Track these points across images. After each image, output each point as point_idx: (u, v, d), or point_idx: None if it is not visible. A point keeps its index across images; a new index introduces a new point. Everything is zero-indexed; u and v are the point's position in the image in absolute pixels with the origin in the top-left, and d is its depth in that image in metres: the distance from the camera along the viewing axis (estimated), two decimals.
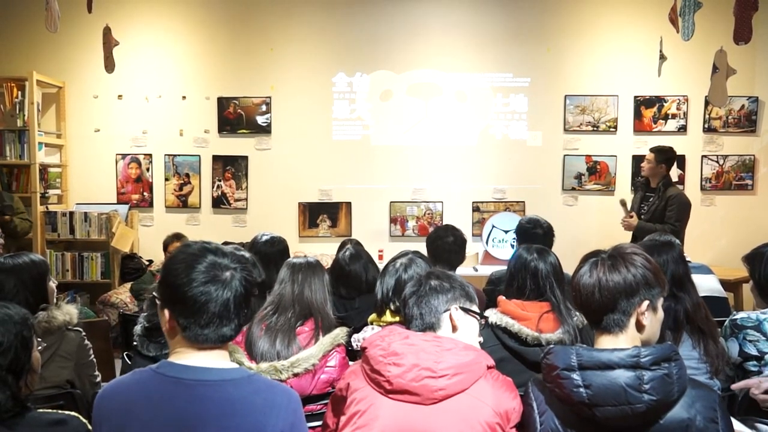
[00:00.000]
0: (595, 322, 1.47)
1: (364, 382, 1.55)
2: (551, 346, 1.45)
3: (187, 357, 1.32)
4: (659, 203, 4.39)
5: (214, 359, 1.33)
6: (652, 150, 4.52)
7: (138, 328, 2.34)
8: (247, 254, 2.60)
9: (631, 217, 4.46)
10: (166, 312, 1.33)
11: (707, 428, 1.36)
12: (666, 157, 4.46)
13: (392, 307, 2.27)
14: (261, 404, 1.30)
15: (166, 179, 5.62)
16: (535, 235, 3.23)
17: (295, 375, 2.01)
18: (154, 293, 1.39)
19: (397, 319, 2.27)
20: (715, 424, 1.37)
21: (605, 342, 1.45)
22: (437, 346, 1.51)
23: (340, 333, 2.14)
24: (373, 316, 2.49)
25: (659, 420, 1.34)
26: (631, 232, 4.56)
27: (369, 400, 1.51)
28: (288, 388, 1.40)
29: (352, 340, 2.45)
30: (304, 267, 2.26)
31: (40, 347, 1.64)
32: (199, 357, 1.32)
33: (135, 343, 2.34)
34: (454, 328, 1.64)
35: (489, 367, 1.55)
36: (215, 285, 1.30)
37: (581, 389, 1.34)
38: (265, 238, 3.12)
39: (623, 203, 4.53)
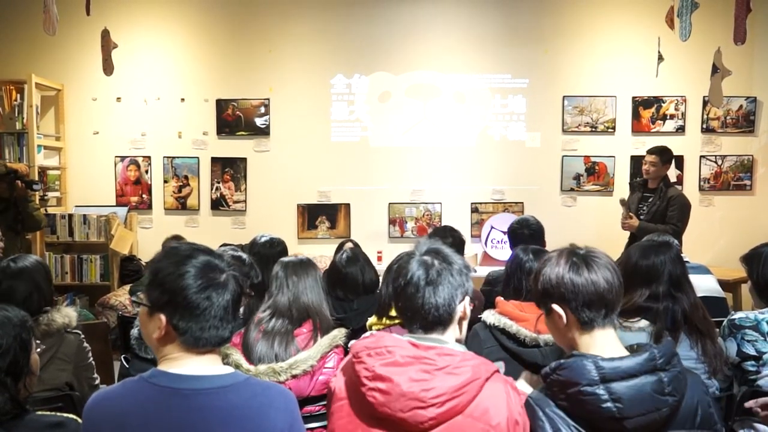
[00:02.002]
0: (610, 311, 1.42)
1: (346, 398, 1.43)
2: (561, 361, 1.37)
3: (181, 364, 1.30)
4: (660, 203, 4.40)
5: (209, 364, 1.31)
6: (652, 152, 4.48)
7: (135, 331, 2.34)
8: (244, 255, 2.61)
9: (631, 217, 4.46)
10: (162, 317, 1.29)
11: (709, 413, 1.39)
12: (669, 157, 4.48)
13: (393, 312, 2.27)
14: (259, 408, 1.29)
15: (165, 181, 5.63)
16: (521, 235, 3.24)
17: (294, 377, 2.01)
18: (139, 300, 1.33)
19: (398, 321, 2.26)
20: (711, 408, 1.41)
21: (603, 339, 1.43)
22: (429, 364, 1.33)
23: (338, 334, 2.14)
24: (372, 320, 2.49)
25: (676, 416, 1.35)
26: (629, 233, 4.56)
27: (350, 425, 1.39)
28: (284, 389, 1.40)
29: (350, 345, 2.45)
30: (297, 265, 2.25)
31: (38, 349, 1.64)
32: (194, 363, 1.30)
33: (132, 345, 2.34)
34: (461, 321, 1.48)
35: (491, 374, 1.39)
36: (215, 287, 1.29)
37: (609, 403, 1.29)
38: (264, 239, 3.13)
39: (623, 202, 4.52)
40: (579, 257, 1.45)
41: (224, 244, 3.53)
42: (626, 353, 1.40)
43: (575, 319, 1.43)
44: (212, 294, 1.29)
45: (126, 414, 1.24)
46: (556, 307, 1.44)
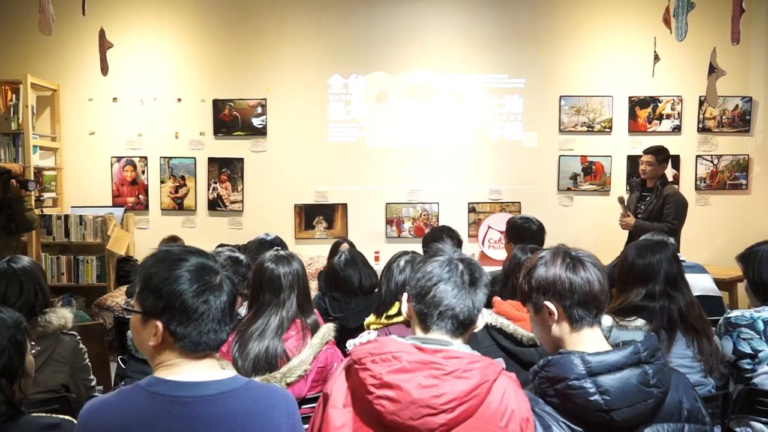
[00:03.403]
0: (600, 311, 1.46)
1: (347, 405, 1.36)
2: (549, 358, 1.39)
3: (180, 371, 1.27)
4: (657, 202, 4.42)
5: (208, 369, 1.29)
6: (648, 152, 4.51)
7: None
8: (241, 256, 2.60)
9: (628, 216, 4.48)
10: (159, 324, 1.25)
11: (695, 408, 1.42)
12: (665, 156, 4.51)
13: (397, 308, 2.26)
14: (263, 412, 1.27)
15: (162, 182, 5.62)
16: (528, 230, 3.24)
17: (289, 384, 1.99)
18: (131, 307, 1.31)
19: (400, 319, 2.25)
20: (698, 402, 1.43)
21: (591, 337, 1.45)
22: (437, 369, 1.30)
23: (327, 331, 2.13)
24: (370, 318, 2.49)
25: (661, 409, 1.38)
26: (627, 232, 4.57)
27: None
28: (285, 391, 1.39)
29: (347, 344, 2.44)
30: (283, 260, 2.21)
31: (33, 351, 1.63)
32: (192, 368, 1.27)
33: (129, 346, 2.33)
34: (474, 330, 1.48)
35: (498, 375, 1.38)
36: (212, 290, 1.28)
37: (597, 396, 1.32)
38: (269, 237, 3.13)
39: (621, 200, 4.55)
40: (572, 257, 1.47)
41: (221, 245, 3.53)
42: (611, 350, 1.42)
43: (566, 317, 1.45)
44: (209, 297, 1.27)
45: (126, 425, 1.20)
46: (549, 303, 1.45)
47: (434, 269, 1.43)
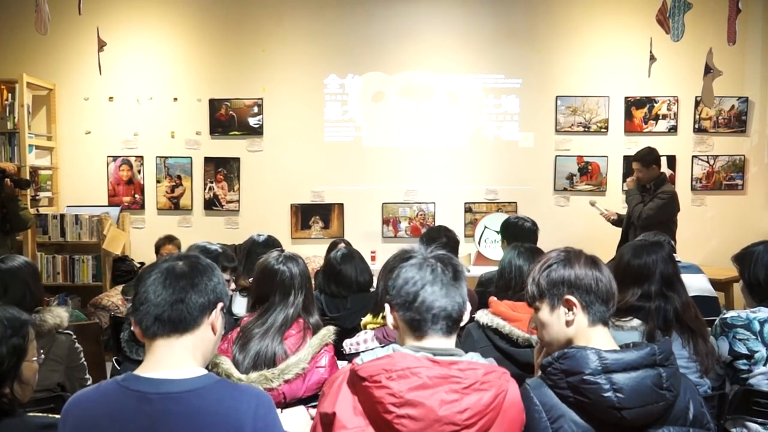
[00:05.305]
0: (612, 311, 1.50)
1: (362, 421, 1.30)
2: (565, 350, 1.40)
3: (156, 363, 1.29)
4: (650, 199, 4.41)
5: (180, 365, 1.29)
6: (635, 159, 4.47)
7: (125, 334, 2.33)
8: (212, 246, 2.60)
9: (606, 212, 4.71)
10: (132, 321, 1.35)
11: (701, 413, 1.44)
12: (652, 157, 4.43)
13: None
14: (224, 412, 1.25)
15: (158, 181, 5.60)
16: (522, 227, 3.25)
17: (286, 381, 1.99)
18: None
19: None
20: (703, 408, 1.46)
21: (602, 336, 1.47)
22: (457, 383, 1.27)
23: (327, 333, 2.12)
24: (367, 318, 2.48)
25: (671, 413, 1.39)
26: (622, 232, 4.57)
27: None
28: (259, 392, 1.36)
29: (344, 344, 2.44)
30: (290, 259, 2.22)
31: (35, 358, 1.60)
32: (164, 360, 1.29)
33: (124, 347, 2.33)
34: None
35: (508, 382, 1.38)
36: (160, 275, 1.35)
37: (611, 393, 1.32)
38: (262, 238, 3.13)
39: (593, 204, 4.76)
40: (591, 257, 1.52)
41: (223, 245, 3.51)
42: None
43: (585, 313, 1.48)
44: (156, 279, 1.32)
45: (96, 419, 1.24)
46: (572, 297, 1.47)
47: (414, 274, 1.38)
